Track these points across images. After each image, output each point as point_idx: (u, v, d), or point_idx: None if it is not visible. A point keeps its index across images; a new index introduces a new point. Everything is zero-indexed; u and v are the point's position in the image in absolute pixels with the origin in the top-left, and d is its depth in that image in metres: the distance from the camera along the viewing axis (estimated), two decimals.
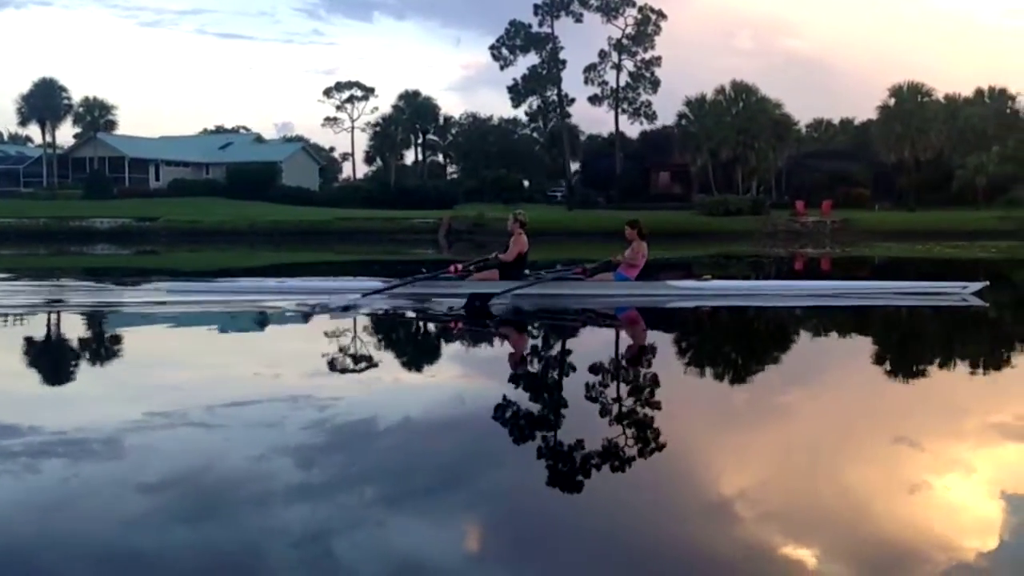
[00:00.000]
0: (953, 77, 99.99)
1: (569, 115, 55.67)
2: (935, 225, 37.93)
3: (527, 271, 10.91)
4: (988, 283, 11.26)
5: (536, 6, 49.78)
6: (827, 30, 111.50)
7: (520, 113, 57.20)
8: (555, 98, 53.09)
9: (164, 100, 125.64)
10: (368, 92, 68.35)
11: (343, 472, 3.93)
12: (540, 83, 52.21)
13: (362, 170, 73.48)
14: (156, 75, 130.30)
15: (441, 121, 70.72)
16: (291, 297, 11.07)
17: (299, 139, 77.65)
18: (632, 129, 57.71)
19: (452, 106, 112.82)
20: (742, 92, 44.89)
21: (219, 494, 3.65)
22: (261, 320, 9.89)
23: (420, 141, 70.77)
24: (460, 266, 10.91)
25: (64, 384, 6.46)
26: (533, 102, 54.20)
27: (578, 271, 10.86)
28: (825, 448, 4.48)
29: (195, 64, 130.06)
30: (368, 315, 10.04)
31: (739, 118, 44.28)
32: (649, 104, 52.15)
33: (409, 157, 71.78)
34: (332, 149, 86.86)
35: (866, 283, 13.05)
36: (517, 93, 52.81)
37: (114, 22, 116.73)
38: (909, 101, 45.26)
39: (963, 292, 10.88)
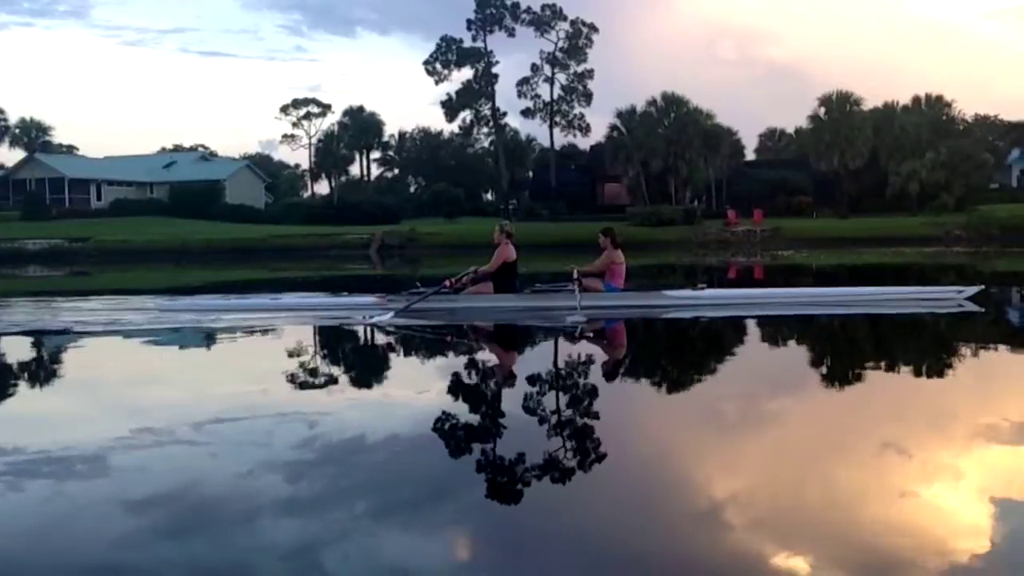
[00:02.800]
0: (933, 81, 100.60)
1: (502, 128, 55.86)
2: (864, 232, 38.21)
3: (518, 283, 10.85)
4: (983, 287, 11.21)
5: (469, 21, 50.25)
6: (807, 38, 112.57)
7: (456, 127, 57.11)
8: (487, 112, 53.24)
9: (147, 120, 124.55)
10: (325, 108, 68.71)
11: (331, 486, 3.91)
12: (473, 98, 52.35)
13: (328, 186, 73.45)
14: (139, 95, 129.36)
15: (393, 136, 71.13)
16: (284, 314, 11.05)
17: (247, 157, 77.60)
18: (584, 141, 58.11)
19: (438, 120, 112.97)
20: (673, 103, 45.25)
21: (207, 510, 3.62)
22: (249, 337, 9.76)
23: (376, 157, 71.20)
24: (453, 280, 10.67)
25: (51, 403, 6.28)
26: (467, 116, 54.28)
27: (572, 283, 10.61)
28: (818, 455, 4.46)
29: (178, 83, 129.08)
30: (358, 331, 10.01)
31: (670, 129, 44.60)
32: (582, 116, 52.58)
33: (355, 174, 71.55)
34: (298, 166, 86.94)
35: (862, 290, 12.93)
36: (450, 108, 52.89)
37: (96, 42, 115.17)
38: (837, 110, 45.77)
39: (958, 297, 10.78)
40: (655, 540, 3.31)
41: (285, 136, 70.63)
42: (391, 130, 72.22)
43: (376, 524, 3.43)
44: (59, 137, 72.61)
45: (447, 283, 10.57)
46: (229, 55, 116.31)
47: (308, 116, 69.21)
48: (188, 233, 41.97)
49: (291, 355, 8.42)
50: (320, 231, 42.63)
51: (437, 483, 3.98)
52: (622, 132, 46.06)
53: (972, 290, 10.83)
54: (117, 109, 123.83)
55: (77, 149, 79.59)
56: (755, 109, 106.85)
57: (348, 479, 4.05)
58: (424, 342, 9.45)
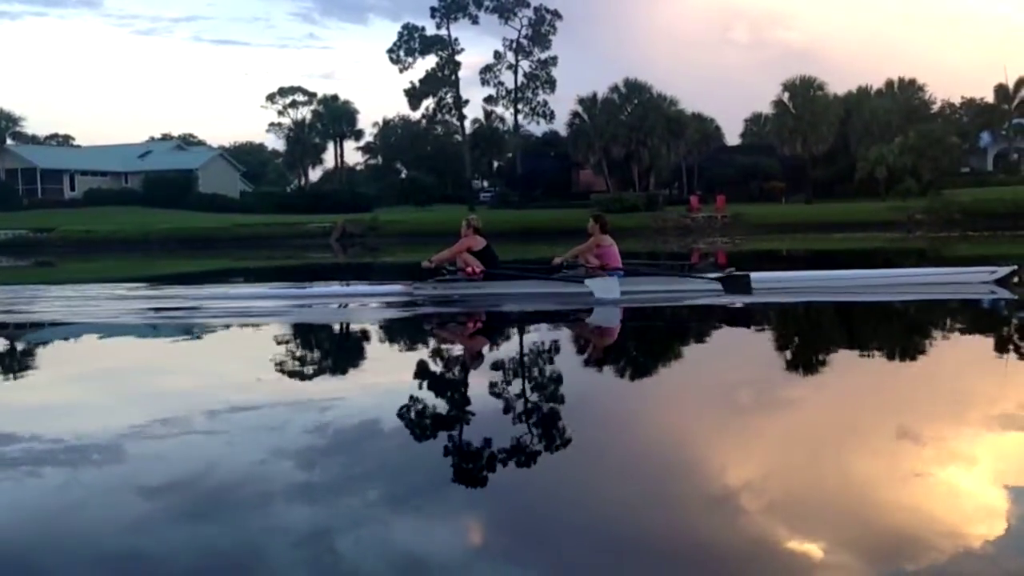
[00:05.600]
0: (949, 65, 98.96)
1: (465, 116, 55.83)
2: (826, 217, 38.16)
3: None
4: (1016, 267, 10.88)
5: (433, 8, 50.14)
6: (821, 22, 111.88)
7: (422, 115, 56.95)
8: (449, 100, 53.19)
9: (159, 109, 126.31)
10: (311, 97, 68.55)
11: (345, 472, 3.92)
12: (436, 85, 52.27)
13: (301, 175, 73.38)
14: (151, 84, 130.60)
15: (378, 123, 71.00)
16: (311, 301, 11.21)
17: (238, 146, 77.66)
18: (562, 128, 58.04)
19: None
20: (635, 90, 45.13)
21: (222, 496, 3.65)
22: (274, 327, 9.78)
23: (359, 145, 71.04)
24: (469, 269, 10.64)
25: (65, 392, 6.21)
26: (430, 105, 54.24)
27: (582, 270, 10.67)
28: (834, 440, 4.40)
29: (191, 72, 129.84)
30: (374, 318, 10.06)
31: (632, 116, 44.50)
32: (546, 103, 52.54)
33: (330, 163, 71.44)
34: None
35: (888, 271, 12.59)
36: (414, 96, 52.81)
37: (109, 31, 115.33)
38: (801, 96, 45.63)
39: (988, 279, 10.46)
40: (670, 523, 3.31)
41: (272, 125, 70.58)
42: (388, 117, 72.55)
43: (389, 509, 3.44)
44: (66, 127, 72.90)
45: (469, 270, 10.55)
46: (242, 43, 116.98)
47: (294, 104, 69.18)
48: (151, 223, 42.06)
49: (312, 344, 8.55)
50: (283, 220, 42.78)
51: (447, 469, 4.01)
52: (584, 119, 45.99)
53: (1004, 271, 10.53)
54: (129, 98, 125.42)
55: (73, 139, 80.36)
56: (763, 94, 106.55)
57: (362, 465, 4.07)
58: (445, 331, 9.26)
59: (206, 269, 23.39)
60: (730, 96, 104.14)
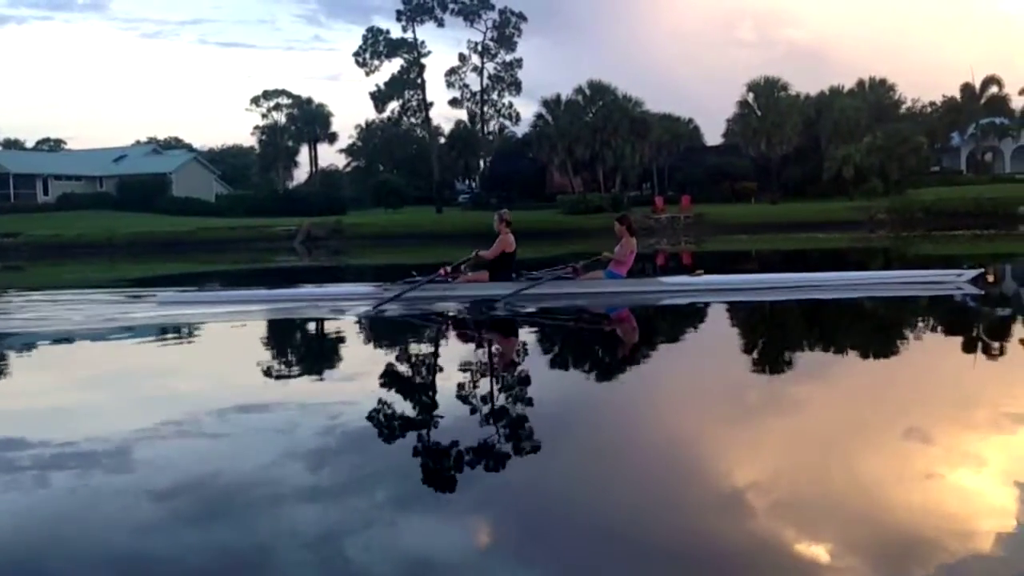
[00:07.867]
0: (954, 59, 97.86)
1: (431, 119, 55.94)
2: (790, 217, 38.37)
3: (514, 274, 10.88)
4: (984, 270, 11.13)
5: (398, 11, 50.16)
6: (827, 18, 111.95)
7: (403, 117, 56.92)
8: (414, 102, 53.31)
9: (164, 112, 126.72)
10: (295, 99, 68.29)
11: (353, 473, 3.97)
12: (402, 88, 52.35)
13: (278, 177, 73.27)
14: (158, 87, 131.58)
15: (360, 126, 70.88)
16: (284, 304, 11.32)
17: (225, 148, 77.75)
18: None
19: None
20: (599, 91, 45.22)
21: (231, 498, 3.68)
22: (254, 328, 9.87)
23: (340, 149, 70.80)
24: (449, 268, 10.70)
25: (65, 398, 6.23)
26: (395, 107, 54.34)
27: (568, 270, 10.88)
28: (838, 440, 4.39)
29: (197, 74, 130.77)
30: (359, 321, 10.07)
31: (596, 117, 44.60)
32: (511, 105, 52.63)
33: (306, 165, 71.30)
34: None
35: (859, 274, 12.87)
36: (378, 99, 52.85)
37: (115, 35, 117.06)
38: (764, 96, 45.71)
39: (958, 280, 10.66)
40: (675, 523, 3.34)
41: (256, 128, 70.37)
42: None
43: (398, 509, 3.48)
44: (68, 132, 72.49)
45: (442, 271, 10.63)
46: (248, 46, 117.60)
47: (278, 107, 69.02)
48: (117, 227, 42.09)
49: (292, 346, 8.64)
50: (249, 223, 42.82)
51: (451, 469, 4.06)
52: (547, 120, 46.10)
53: (972, 273, 10.76)
54: (133, 102, 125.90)
55: (65, 143, 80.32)
56: None
57: (371, 466, 4.10)
58: (426, 331, 9.46)
59: (160, 274, 23.37)
60: (732, 95, 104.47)
